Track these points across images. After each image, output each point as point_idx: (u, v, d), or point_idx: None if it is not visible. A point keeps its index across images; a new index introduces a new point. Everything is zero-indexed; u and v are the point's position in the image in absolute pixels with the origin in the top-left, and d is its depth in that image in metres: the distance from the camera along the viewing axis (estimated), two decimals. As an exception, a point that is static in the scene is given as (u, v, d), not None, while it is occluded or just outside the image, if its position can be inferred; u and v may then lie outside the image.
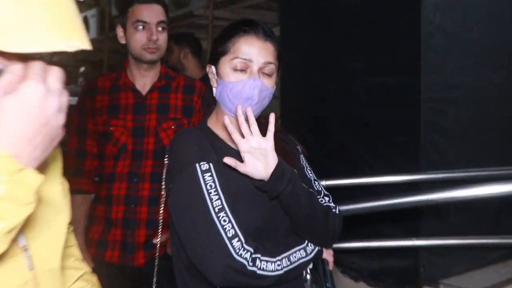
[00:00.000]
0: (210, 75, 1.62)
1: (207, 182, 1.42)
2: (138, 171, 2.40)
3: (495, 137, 3.41)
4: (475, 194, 2.38)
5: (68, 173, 1.18)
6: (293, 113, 3.91)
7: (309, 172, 1.71)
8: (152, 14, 2.37)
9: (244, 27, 1.54)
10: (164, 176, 1.59)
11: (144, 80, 2.49)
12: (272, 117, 1.49)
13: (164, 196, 1.63)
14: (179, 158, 1.50)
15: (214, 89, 1.61)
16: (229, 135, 1.54)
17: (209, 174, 1.43)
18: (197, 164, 1.44)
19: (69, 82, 13.33)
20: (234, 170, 1.47)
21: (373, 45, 3.30)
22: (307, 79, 3.78)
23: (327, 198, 1.63)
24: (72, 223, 1.18)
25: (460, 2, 3.22)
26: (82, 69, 14.43)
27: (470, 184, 2.40)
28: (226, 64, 1.54)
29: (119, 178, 2.41)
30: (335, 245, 2.89)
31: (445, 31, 3.11)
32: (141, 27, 2.36)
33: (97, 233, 2.46)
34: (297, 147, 1.77)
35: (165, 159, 1.58)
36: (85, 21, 11.31)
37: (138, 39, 2.36)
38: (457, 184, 3.02)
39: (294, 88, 3.90)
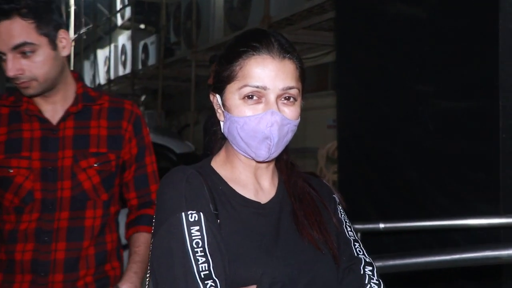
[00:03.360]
0: (215, 106, 1.35)
1: (193, 238, 1.17)
2: (50, 227, 1.92)
3: None
4: None
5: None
6: (351, 144, 3.71)
7: (349, 229, 1.41)
8: (5, 37, 1.79)
9: (253, 43, 1.25)
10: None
11: (53, 106, 1.99)
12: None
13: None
14: (163, 204, 1.25)
15: (221, 123, 1.35)
16: (239, 178, 1.34)
17: (197, 227, 1.19)
18: (183, 214, 1.20)
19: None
20: (237, 221, 1.26)
21: (443, 64, 3.07)
22: (367, 105, 3.58)
23: (369, 268, 1.32)
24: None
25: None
26: (142, 98, 14.78)
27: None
28: (234, 93, 1.26)
29: (23, 237, 1.92)
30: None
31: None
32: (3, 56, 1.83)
33: None
34: (333, 195, 1.46)
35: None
36: (145, 49, 11.62)
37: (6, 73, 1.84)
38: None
39: (352, 116, 3.73)
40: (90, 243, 1.99)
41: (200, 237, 1.17)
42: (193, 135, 8.32)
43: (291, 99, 1.26)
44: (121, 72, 12.98)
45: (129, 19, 12.03)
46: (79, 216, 1.96)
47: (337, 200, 1.45)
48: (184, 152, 4.44)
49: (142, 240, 2.06)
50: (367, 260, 1.34)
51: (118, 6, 13.17)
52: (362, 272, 1.30)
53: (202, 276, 1.13)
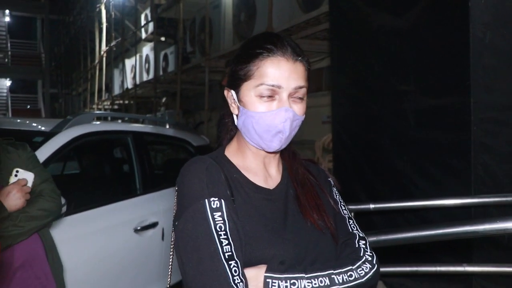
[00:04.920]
0: (229, 100, 1.30)
1: (217, 222, 1.13)
2: None
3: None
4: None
5: None
6: (344, 137, 3.68)
7: (343, 208, 1.38)
8: None
9: (269, 45, 1.20)
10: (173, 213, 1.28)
11: None
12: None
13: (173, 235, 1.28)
14: (187, 191, 1.19)
15: (234, 116, 1.30)
16: (251, 166, 1.29)
17: (220, 213, 1.14)
18: (206, 200, 1.15)
19: (152, 111, 13.66)
20: (250, 206, 1.22)
21: (423, 67, 3.05)
22: (358, 102, 3.55)
23: (362, 242, 1.29)
24: None
25: (511, 20, 2.87)
26: (163, 99, 14.75)
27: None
28: (250, 90, 1.21)
29: None
30: (386, 269, 2.65)
31: (495, 50, 2.79)
32: None
33: None
34: (329, 179, 1.43)
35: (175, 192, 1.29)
36: (165, 57, 11.61)
37: None
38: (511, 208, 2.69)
39: (345, 112, 3.70)
40: None
41: (222, 222, 1.13)
42: (207, 131, 8.30)
43: (300, 97, 1.23)
44: (145, 78, 12.96)
45: (152, 33, 11.99)
46: None
47: (332, 182, 1.43)
48: (200, 144, 4.43)
49: None
50: (361, 235, 1.32)
51: (143, 22, 13.14)
52: (357, 246, 1.27)
53: (226, 257, 1.09)
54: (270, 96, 1.19)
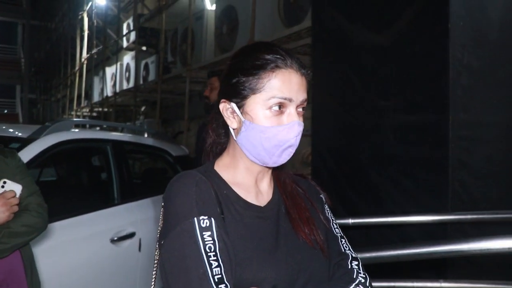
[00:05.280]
0: (225, 113, 1.20)
1: (206, 243, 1.04)
2: None
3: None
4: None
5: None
6: (323, 150, 3.66)
7: (335, 226, 1.30)
8: None
9: (279, 56, 1.13)
10: (159, 229, 1.19)
11: None
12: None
13: (157, 255, 1.20)
14: (174, 208, 1.10)
15: (232, 130, 1.20)
16: (242, 182, 1.20)
17: (209, 233, 1.06)
18: (195, 219, 1.06)
19: (131, 119, 13.53)
20: (241, 225, 1.14)
21: (403, 84, 3.04)
22: (337, 117, 3.54)
23: (355, 263, 1.23)
24: None
25: (488, 42, 2.93)
26: (143, 108, 14.62)
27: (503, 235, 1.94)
28: (259, 103, 1.13)
29: None
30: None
31: (473, 70, 2.82)
32: None
33: None
34: (320, 196, 1.36)
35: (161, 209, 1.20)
36: (146, 67, 11.53)
37: None
38: (486, 225, 2.70)
39: (324, 126, 3.69)
40: None
41: (212, 242, 1.05)
42: (186, 140, 8.23)
43: (303, 109, 1.18)
44: (125, 86, 12.83)
45: (133, 42, 11.91)
46: None
47: (324, 199, 1.35)
48: (179, 155, 4.37)
49: None
50: (353, 255, 1.25)
51: (125, 31, 13.05)
52: (350, 267, 1.20)
53: (216, 280, 1.01)
54: (279, 110, 1.13)
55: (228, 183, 1.20)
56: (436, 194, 2.81)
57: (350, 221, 2.66)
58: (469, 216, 2.58)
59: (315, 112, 3.85)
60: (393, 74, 3.10)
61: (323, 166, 3.69)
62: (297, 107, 1.14)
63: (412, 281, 2.59)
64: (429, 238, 2.79)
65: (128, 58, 12.87)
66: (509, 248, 1.79)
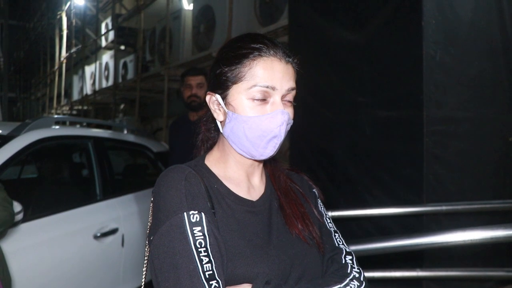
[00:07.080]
0: (212, 106, 1.13)
1: (196, 238, 0.97)
2: None
3: (494, 169, 3.04)
4: (483, 237, 1.85)
5: None
6: (301, 145, 3.62)
7: (328, 221, 1.23)
8: None
9: (260, 44, 1.05)
10: (149, 225, 1.10)
11: None
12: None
13: (147, 250, 1.10)
14: (164, 203, 1.02)
15: (219, 123, 1.13)
16: (233, 176, 1.13)
17: (199, 228, 0.98)
18: (185, 214, 0.99)
19: (110, 117, 13.29)
20: (232, 220, 1.07)
21: (378, 80, 3.02)
22: (315, 113, 3.50)
23: (349, 258, 1.16)
24: None
25: (460, 40, 2.92)
26: (122, 106, 14.38)
27: (476, 227, 1.91)
28: (240, 93, 1.05)
29: None
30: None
31: (445, 67, 2.81)
32: None
33: None
34: (313, 190, 1.28)
35: (150, 204, 1.11)
36: (125, 65, 11.32)
37: None
38: (460, 215, 2.69)
39: (302, 121, 3.62)
40: None
41: (202, 237, 0.98)
42: (165, 137, 8.10)
43: (290, 101, 1.08)
44: (104, 84, 12.60)
45: (112, 41, 11.68)
46: None
47: (317, 194, 1.27)
48: (160, 151, 4.27)
49: None
50: (347, 250, 1.18)
51: (103, 30, 12.80)
52: (344, 262, 1.14)
53: (207, 276, 0.94)
54: (263, 99, 1.04)
55: (219, 178, 1.13)
56: (412, 186, 2.80)
57: (329, 214, 2.62)
58: (444, 207, 2.57)
59: (293, 108, 3.80)
60: (369, 71, 3.07)
61: (301, 160, 3.65)
62: (283, 96, 1.06)
63: (390, 271, 2.57)
64: (406, 229, 2.77)
65: (107, 57, 12.63)
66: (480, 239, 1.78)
